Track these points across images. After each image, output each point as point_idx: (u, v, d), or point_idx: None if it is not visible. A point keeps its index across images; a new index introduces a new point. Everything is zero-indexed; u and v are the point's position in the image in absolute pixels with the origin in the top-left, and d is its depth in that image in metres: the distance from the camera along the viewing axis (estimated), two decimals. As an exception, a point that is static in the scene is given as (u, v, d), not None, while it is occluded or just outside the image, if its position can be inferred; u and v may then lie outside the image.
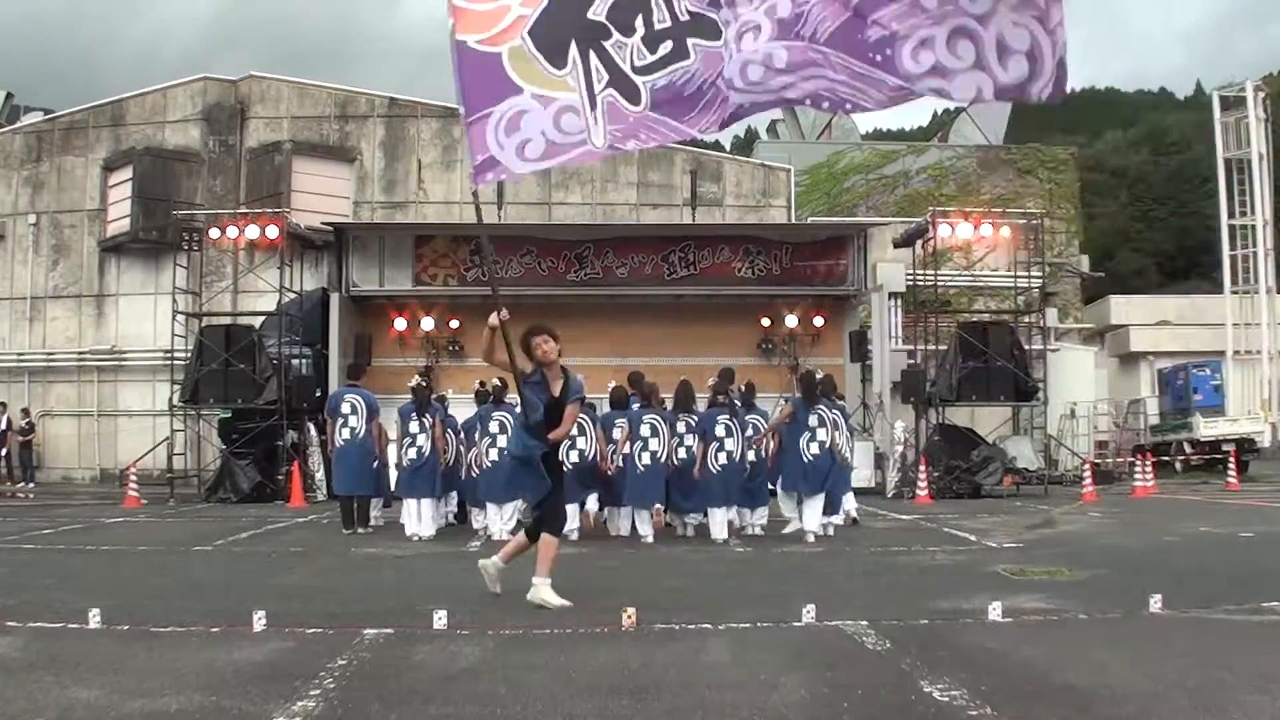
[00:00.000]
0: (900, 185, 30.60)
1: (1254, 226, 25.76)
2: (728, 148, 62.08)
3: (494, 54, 5.32)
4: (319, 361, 18.75)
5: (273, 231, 17.84)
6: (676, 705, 4.05)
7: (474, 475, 10.87)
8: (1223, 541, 10.16)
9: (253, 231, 17.77)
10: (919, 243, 18.82)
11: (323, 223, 19.74)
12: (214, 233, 18.04)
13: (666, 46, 5.17)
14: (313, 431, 17.24)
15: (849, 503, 11.49)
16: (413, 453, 10.77)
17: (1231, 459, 19.97)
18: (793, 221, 22.69)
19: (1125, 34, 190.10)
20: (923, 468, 16.46)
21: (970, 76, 4.78)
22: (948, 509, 14.28)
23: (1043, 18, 4.69)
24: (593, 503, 10.79)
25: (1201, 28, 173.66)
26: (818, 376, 10.95)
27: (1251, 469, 22.21)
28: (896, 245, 20.44)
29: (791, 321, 19.31)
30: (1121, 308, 33.87)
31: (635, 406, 10.68)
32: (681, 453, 10.28)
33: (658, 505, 10.43)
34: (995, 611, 5.71)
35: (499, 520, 10.24)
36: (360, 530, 11.28)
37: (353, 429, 11.26)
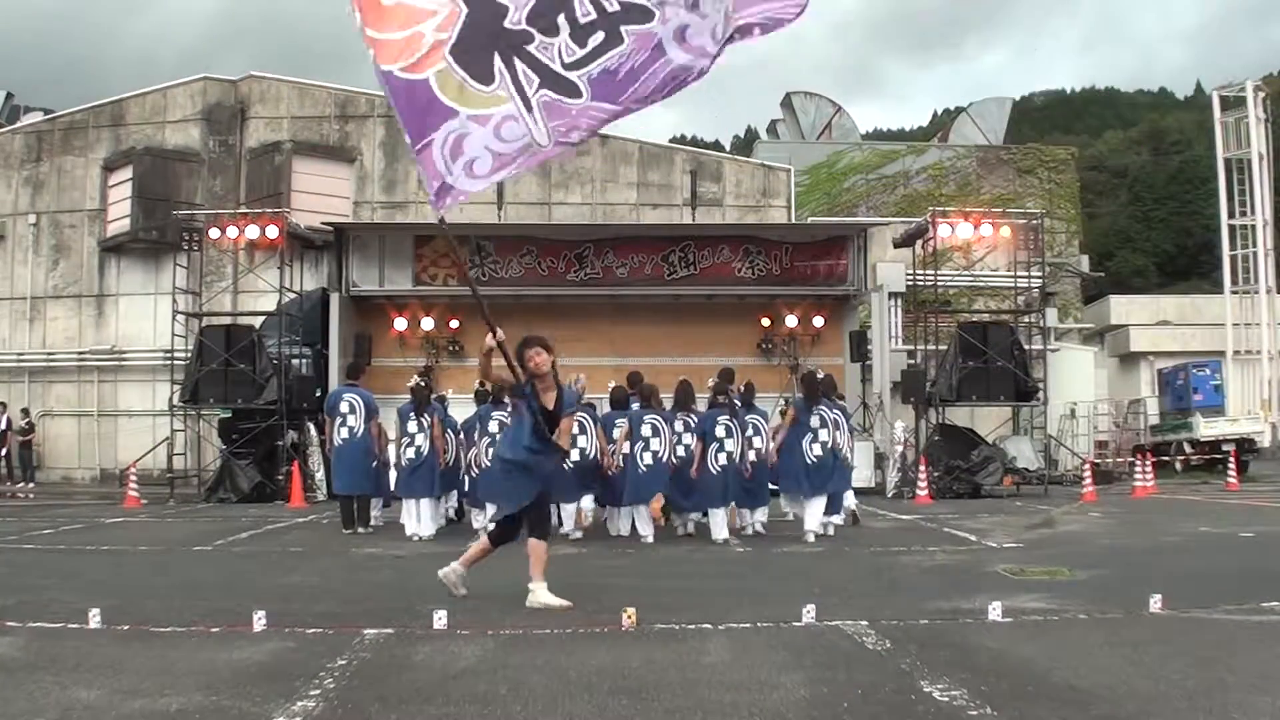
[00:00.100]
0: (900, 185, 30.61)
1: (1254, 226, 25.82)
2: (728, 148, 62.29)
3: (421, 80, 5.30)
4: (319, 361, 18.75)
5: (273, 231, 17.84)
6: (676, 705, 4.05)
7: (473, 475, 10.87)
8: (1223, 541, 10.16)
9: (253, 231, 17.77)
10: (919, 243, 18.82)
11: (323, 223, 19.74)
12: (214, 233, 18.03)
13: (598, 38, 5.19)
14: (313, 431, 17.24)
15: (849, 500, 11.50)
16: (411, 453, 10.78)
17: (1231, 459, 19.96)
18: (793, 221, 22.69)
19: (1125, 34, 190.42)
20: (923, 468, 16.46)
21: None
22: (948, 509, 14.28)
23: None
24: (588, 502, 10.76)
25: (1202, 28, 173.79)
26: (818, 376, 10.96)
27: (1251, 469, 22.20)
28: (896, 245, 20.44)
29: (791, 321, 19.30)
30: (1121, 308, 33.89)
31: (635, 406, 10.69)
32: (680, 451, 10.29)
33: (657, 498, 10.41)
34: (995, 611, 5.71)
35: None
36: (361, 530, 11.28)
37: (351, 428, 11.26)
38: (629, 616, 5.57)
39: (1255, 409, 24.32)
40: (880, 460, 18.14)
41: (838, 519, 10.92)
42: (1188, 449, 23.28)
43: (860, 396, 19.49)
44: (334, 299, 18.69)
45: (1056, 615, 5.92)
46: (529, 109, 5.27)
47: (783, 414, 11.59)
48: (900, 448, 17.39)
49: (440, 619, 5.57)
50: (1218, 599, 6.21)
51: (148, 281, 22.07)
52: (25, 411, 21.57)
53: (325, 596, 7.00)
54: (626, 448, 10.38)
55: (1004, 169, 30.79)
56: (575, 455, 10.12)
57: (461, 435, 11.30)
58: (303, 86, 22.94)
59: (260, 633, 5.46)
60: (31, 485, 20.62)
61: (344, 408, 11.33)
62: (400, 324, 19.20)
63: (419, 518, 10.72)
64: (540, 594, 6.19)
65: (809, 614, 5.65)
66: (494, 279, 18.53)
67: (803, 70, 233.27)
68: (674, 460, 10.28)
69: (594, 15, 5.17)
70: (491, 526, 6.87)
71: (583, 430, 10.29)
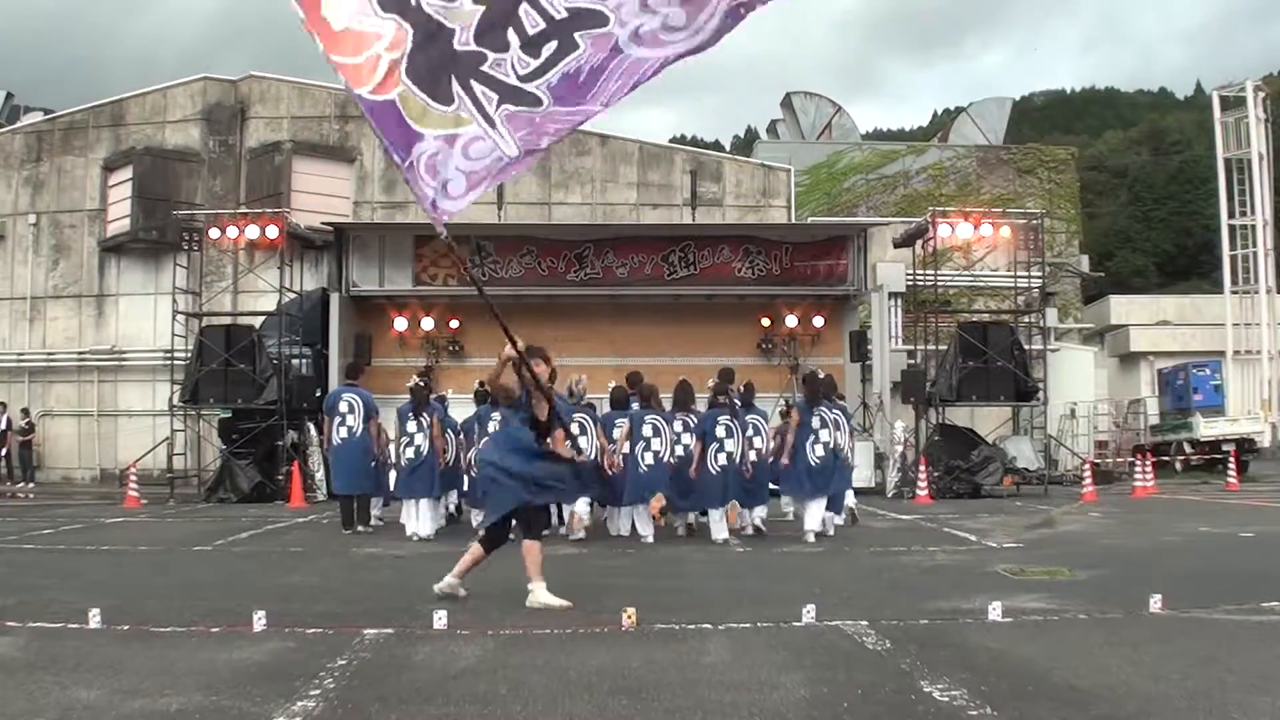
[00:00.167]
0: (900, 185, 30.60)
1: (1254, 226, 25.84)
2: (728, 148, 62.29)
3: (389, 101, 5.33)
4: (319, 361, 18.75)
5: (273, 231, 17.84)
6: (676, 705, 4.05)
7: (473, 475, 10.86)
8: (1223, 541, 10.16)
9: (253, 231, 17.77)
10: (919, 243, 18.82)
11: (323, 223, 19.74)
12: (214, 233, 18.03)
13: (550, 46, 5.20)
14: (313, 431, 17.24)
15: (849, 500, 11.50)
16: (411, 452, 10.79)
17: (1231, 459, 19.96)
18: (793, 221, 22.68)
19: (1125, 34, 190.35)
20: (923, 468, 16.46)
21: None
22: (948, 509, 14.28)
23: None
24: (582, 507, 10.67)
25: (1202, 28, 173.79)
26: (819, 377, 10.97)
27: (1251, 469, 22.19)
28: (896, 245, 20.44)
29: (791, 321, 19.30)
30: (1121, 308, 33.89)
31: (635, 407, 10.69)
32: (679, 450, 10.29)
33: (657, 495, 10.32)
34: (995, 611, 5.71)
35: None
36: (361, 528, 11.29)
37: (350, 428, 11.28)
38: (629, 616, 5.57)
39: (1255, 409, 24.33)
40: (880, 460, 18.14)
41: (838, 519, 10.92)
42: (1188, 449, 23.28)
43: (860, 396, 19.49)
44: (334, 299, 18.69)
45: (1056, 615, 5.92)
46: (492, 125, 5.29)
47: (783, 415, 11.59)
48: (900, 448, 17.40)
49: (440, 619, 5.58)
50: (1218, 599, 6.21)
51: (148, 281, 22.07)
52: (25, 411, 21.57)
53: (325, 596, 7.00)
54: (627, 447, 10.37)
55: (1004, 169, 30.78)
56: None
57: (461, 435, 11.31)
58: (303, 86, 22.93)
59: (260, 633, 5.46)
60: (31, 485, 20.62)
61: (343, 407, 11.34)
62: (400, 324, 19.20)
63: (419, 517, 10.73)
64: (540, 594, 6.19)
65: (809, 614, 5.65)
66: (494, 279, 18.52)
67: (803, 70, 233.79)
68: (673, 460, 10.28)
69: (543, 25, 5.19)
70: (483, 532, 6.86)
71: (583, 431, 10.28)
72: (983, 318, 20.29)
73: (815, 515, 10.25)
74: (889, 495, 17.10)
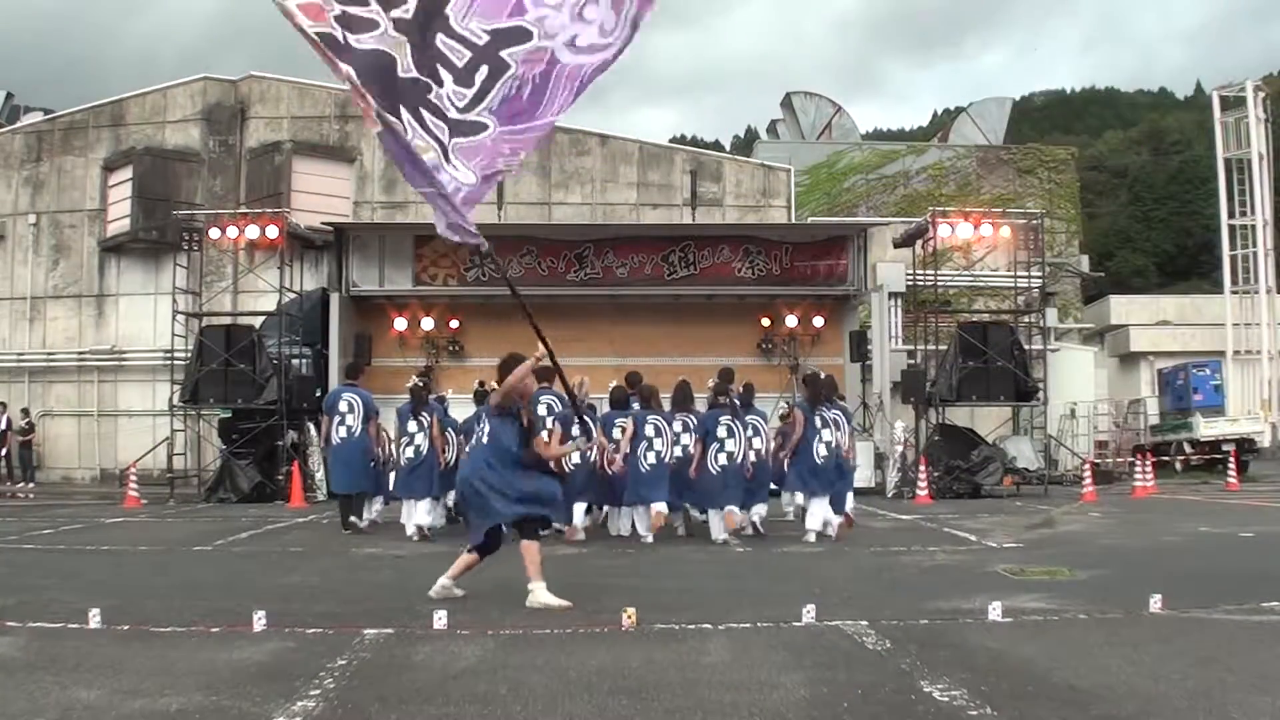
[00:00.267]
0: (900, 185, 30.60)
1: (1254, 226, 25.84)
2: (728, 148, 62.30)
3: (383, 131, 5.42)
4: (319, 361, 18.75)
5: (273, 231, 17.84)
6: (676, 705, 4.05)
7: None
8: (1223, 541, 10.16)
9: (253, 231, 17.76)
10: (919, 243, 18.82)
11: (323, 223, 19.74)
12: (214, 233, 18.02)
13: (482, 73, 5.24)
14: (313, 431, 17.20)
15: (849, 504, 11.47)
16: (410, 452, 10.81)
17: (1231, 459, 19.96)
18: (793, 221, 22.68)
19: (1125, 34, 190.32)
20: (923, 468, 16.46)
21: None
22: (948, 509, 14.28)
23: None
24: (579, 517, 10.48)
25: (1202, 28, 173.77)
26: (820, 377, 10.97)
27: (1251, 469, 22.19)
28: (896, 245, 20.44)
29: (791, 321, 19.30)
30: (1121, 308, 33.89)
31: (635, 407, 10.68)
32: (678, 451, 10.29)
33: (657, 509, 10.27)
34: (995, 611, 5.71)
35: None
36: (353, 519, 11.27)
37: (349, 428, 11.29)
38: (629, 616, 5.57)
39: (1255, 409, 24.33)
40: (880, 460, 18.15)
41: (838, 519, 10.91)
42: (1188, 449, 23.28)
43: (860, 396, 19.49)
44: (334, 299, 18.69)
45: (1056, 615, 5.92)
46: (447, 158, 5.36)
47: (783, 418, 11.60)
48: (900, 448, 17.40)
49: (440, 619, 5.58)
50: (1218, 599, 6.21)
51: (148, 281, 22.06)
52: (25, 411, 21.56)
53: (325, 596, 7.01)
54: (627, 448, 10.36)
55: (1004, 169, 30.78)
56: (576, 458, 10.13)
57: (461, 435, 11.30)
58: (303, 86, 22.92)
59: (260, 633, 5.46)
60: (31, 485, 20.62)
61: (343, 407, 11.35)
62: (400, 324, 19.20)
63: (418, 515, 10.73)
64: (540, 594, 6.19)
65: (809, 614, 5.65)
66: (494, 279, 18.50)
67: (803, 70, 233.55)
68: (672, 460, 10.28)
69: (468, 54, 5.22)
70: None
71: (583, 431, 10.26)
72: (983, 318, 20.29)
73: (817, 515, 10.25)
74: (889, 495, 17.10)
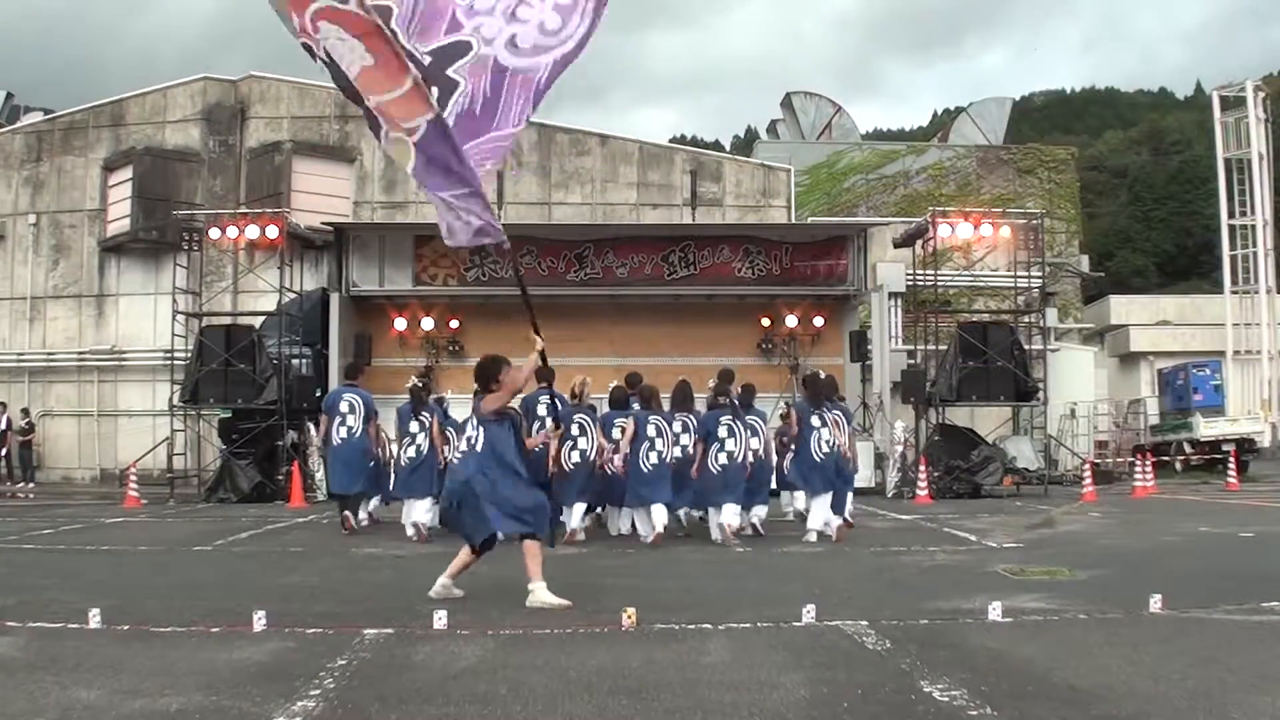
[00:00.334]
0: (900, 185, 30.59)
1: (1254, 226, 25.84)
2: (728, 148, 62.29)
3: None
4: (319, 361, 18.74)
5: (273, 231, 17.84)
6: (676, 705, 4.05)
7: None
8: (1223, 541, 10.16)
9: (253, 231, 17.76)
10: (919, 243, 18.82)
11: (323, 223, 19.74)
12: (214, 233, 18.02)
13: (433, 93, 5.23)
14: (313, 432, 17.18)
15: (848, 507, 11.47)
16: (411, 452, 10.82)
17: (1231, 459, 19.96)
18: (793, 221, 22.69)
19: (1125, 34, 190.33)
20: (923, 468, 16.46)
21: None
22: (948, 509, 14.28)
23: None
24: (577, 520, 10.41)
25: (1202, 28, 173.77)
26: (821, 378, 10.97)
27: (1251, 469, 22.19)
28: (896, 245, 20.43)
29: (791, 321, 19.30)
30: (1121, 308, 33.89)
31: (635, 407, 10.68)
32: (677, 451, 10.29)
33: (658, 533, 10.11)
34: (995, 611, 5.71)
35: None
36: (349, 513, 11.27)
37: (350, 428, 11.29)
38: (629, 616, 5.57)
39: (1255, 409, 24.33)
40: (880, 460, 18.14)
41: (838, 520, 10.90)
42: (1188, 449, 23.28)
43: (860, 396, 19.49)
44: (334, 299, 18.69)
45: (1056, 615, 5.92)
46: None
47: (783, 418, 11.59)
48: (900, 448, 17.40)
49: (440, 619, 5.58)
50: (1218, 599, 6.21)
51: (148, 281, 22.07)
52: (25, 411, 21.57)
53: (325, 596, 7.01)
54: (628, 448, 10.36)
55: (1004, 169, 30.78)
56: (575, 457, 10.12)
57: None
58: (303, 86, 22.92)
59: (260, 633, 5.46)
60: (31, 485, 20.61)
61: (344, 407, 11.35)
62: (400, 324, 19.20)
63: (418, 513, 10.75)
64: (540, 594, 6.19)
65: (809, 614, 5.65)
66: (494, 279, 18.54)
67: (803, 70, 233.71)
68: (672, 460, 10.28)
69: (418, 74, 5.22)
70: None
71: (583, 432, 10.29)
72: (983, 318, 20.29)
73: (819, 515, 10.25)
74: (889, 495, 17.10)
